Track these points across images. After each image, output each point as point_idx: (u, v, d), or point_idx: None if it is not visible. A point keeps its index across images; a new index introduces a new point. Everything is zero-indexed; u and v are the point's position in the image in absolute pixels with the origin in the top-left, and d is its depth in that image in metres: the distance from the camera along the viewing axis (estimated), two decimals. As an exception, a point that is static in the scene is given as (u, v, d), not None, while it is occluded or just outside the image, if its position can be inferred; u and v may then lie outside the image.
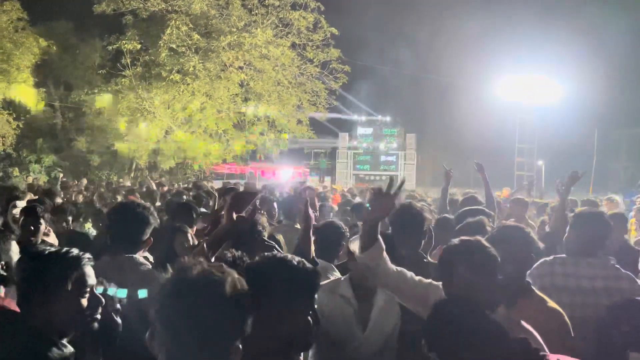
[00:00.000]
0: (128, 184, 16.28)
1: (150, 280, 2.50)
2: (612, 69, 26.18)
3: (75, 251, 1.76)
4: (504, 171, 24.98)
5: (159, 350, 1.23)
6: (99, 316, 1.77)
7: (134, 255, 2.59)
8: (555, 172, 27.70)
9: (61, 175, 20.25)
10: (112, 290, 1.68)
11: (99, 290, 1.68)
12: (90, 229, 5.61)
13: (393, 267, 2.30)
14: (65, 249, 1.77)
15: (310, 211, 2.80)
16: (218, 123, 21.01)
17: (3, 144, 18.26)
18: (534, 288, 2.49)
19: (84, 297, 1.73)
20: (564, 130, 26.85)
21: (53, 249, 1.76)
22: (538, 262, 3.22)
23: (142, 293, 1.69)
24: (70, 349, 1.71)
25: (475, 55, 26.19)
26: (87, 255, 1.78)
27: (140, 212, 2.65)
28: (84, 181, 18.06)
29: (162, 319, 1.21)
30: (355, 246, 2.35)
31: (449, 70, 26.57)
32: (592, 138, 26.89)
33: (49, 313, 1.68)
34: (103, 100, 19.49)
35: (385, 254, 2.26)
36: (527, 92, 24.61)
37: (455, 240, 2.20)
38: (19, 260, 2.02)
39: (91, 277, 1.76)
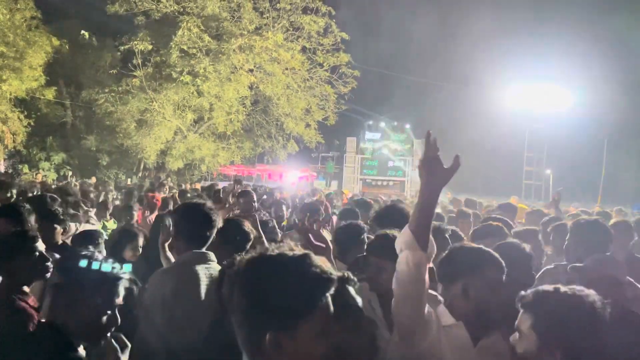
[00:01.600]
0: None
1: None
2: (623, 79, 26.03)
3: (116, 268, 1.82)
4: (513, 180, 24.90)
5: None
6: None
7: (203, 251, 2.71)
8: (563, 181, 27.55)
9: (70, 173, 20.39)
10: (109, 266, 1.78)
11: (105, 266, 1.77)
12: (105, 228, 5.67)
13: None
14: (107, 263, 1.82)
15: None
16: (227, 125, 21.08)
17: (14, 142, 18.40)
18: None
19: (108, 312, 1.80)
20: (573, 140, 26.71)
21: (95, 261, 1.80)
22: (542, 271, 3.20)
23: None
24: (81, 353, 1.77)
25: (485, 63, 26.12)
26: (127, 275, 1.85)
27: (207, 212, 2.77)
28: (93, 179, 18.18)
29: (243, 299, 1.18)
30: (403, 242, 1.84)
31: (459, 77, 26.55)
32: (602, 148, 26.76)
33: (73, 320, 1.75)
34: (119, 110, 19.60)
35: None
36: (537, 100, 24.51)
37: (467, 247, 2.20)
38: (60, 265, 2.11)
39: (120, 296, 1.83)
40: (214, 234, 2.77)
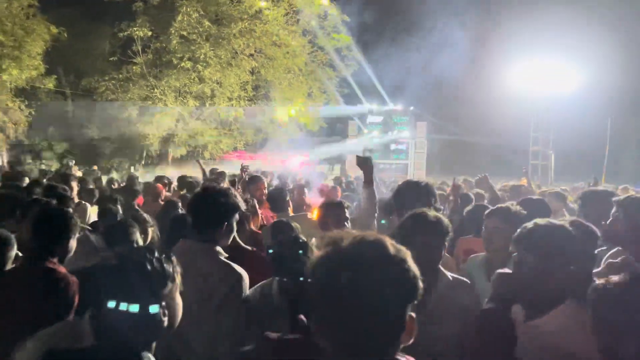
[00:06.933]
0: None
1: (225, 273, 2.49)
2: (629, 56, 25.73)
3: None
4: (519, 160, 24.76)
5: (322, 333, 1.18)
6: None
7: (212, 244, 2.55)
8: (567, 161, 27.46)
9: (73, 162, 20.34)
10: (125, 305, 1.58)
11: (110, 304, 1.58)
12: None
13: None
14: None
15: None
16: (228, 111, 20.97)
17: (16, 132, 18.30)
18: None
19: None
20: (578, 119, 26.50)
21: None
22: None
23: (154, 308, 1.56)
24: None
25: (491, 42, 25.78)
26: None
27: (222, 200, 2.59)
28: (95, 168, 18.14)
29: (328, 296, 1.15)
30: None
31: (462, 57, 26.26)
32: (606, 127, 26.58)
33: None
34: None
35: None
36: (542, 79, 24.23)
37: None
38: None
39: None
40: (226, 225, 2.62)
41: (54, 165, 20.28)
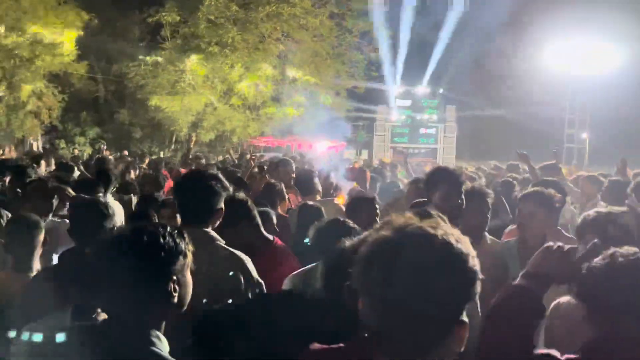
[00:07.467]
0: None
1: (229, 260, 2.40)
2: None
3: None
4: (553, 145, 24.11)
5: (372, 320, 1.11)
6: None
7: (208, 230, 2.47)
8: (603, 145, 26.52)
9: (104, 146, 20.74)
10: (26, 335, 1.47)
11: (11, 334, 1.48)
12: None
13: None
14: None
15: None
16: (256, 95, 20.95)
17: (50, 117, 18.71)
18: None
19: None
20: (617, 102, 25.49)
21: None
22: None
23: (60, 337, 1.46)
24: None
25: (523, 21, 24.94)
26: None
27: (208, 182, 2.51)
28: (125, 153, 18.40)
29: (374, 291, 1.06)
30: None
31: (494, 37, 25.50)
32: (645, 110, 25.62)
33: None
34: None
35: None
36: (579, 59, 23.32)
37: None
38: None
39: None
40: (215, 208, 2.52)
41: (87, 151, 20.75)
